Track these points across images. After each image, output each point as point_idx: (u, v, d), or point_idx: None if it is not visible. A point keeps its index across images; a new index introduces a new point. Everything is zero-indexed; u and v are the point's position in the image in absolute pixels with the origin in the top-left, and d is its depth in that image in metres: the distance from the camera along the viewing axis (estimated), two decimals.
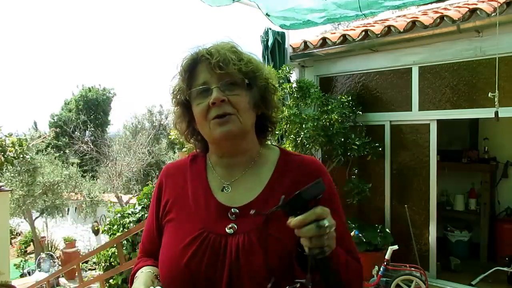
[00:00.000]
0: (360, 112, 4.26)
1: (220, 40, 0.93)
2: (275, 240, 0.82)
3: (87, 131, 14.69)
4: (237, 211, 0.88)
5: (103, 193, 10.99)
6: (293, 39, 4.77)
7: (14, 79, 45.57)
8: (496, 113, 2.76)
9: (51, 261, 9.05)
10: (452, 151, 5.04)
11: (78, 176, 10.72)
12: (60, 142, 15.66)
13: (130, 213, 5.27)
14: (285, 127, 4.09)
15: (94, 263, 8.37)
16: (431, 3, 2.51)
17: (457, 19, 3.48)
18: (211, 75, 0.89)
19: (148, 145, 13.18)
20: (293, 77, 4.70)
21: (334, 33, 4.75)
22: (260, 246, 0.82)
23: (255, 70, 0.91)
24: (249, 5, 2.36)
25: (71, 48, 52.34)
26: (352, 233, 3.79)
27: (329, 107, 4.08)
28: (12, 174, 8.77)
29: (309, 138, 3.98)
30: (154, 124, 16.04)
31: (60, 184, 9.75)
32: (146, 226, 1.04)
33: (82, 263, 8.06)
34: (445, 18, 3.55)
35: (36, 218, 10.10)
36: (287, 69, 4.32)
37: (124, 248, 4.96)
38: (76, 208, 10.91)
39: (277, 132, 3.82)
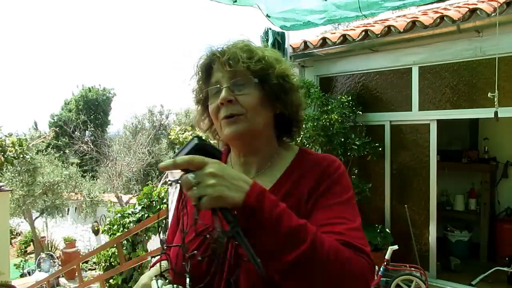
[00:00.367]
0: (360, 112, 4.26)
1: (236, 38, 0.92)
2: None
3: (87, 131, 14.70)
4: None
5: (103, 193, 11.00)
6: (293, 39, 4.77)
7: (14, 79, 45.56)
8: (496, 113, 2.76)
9: (51, 261, 9.06)
10: (452, 151, 5.04)
11: (78, 176, 10.73)
12: (60, 142, 15.67)
13: (130, 213, 5.28)
14: None
15: (94, 263, 8.38)
16: (431, 3, 2.51)
17: (457, 19, 3.48)
18: (222, 75, 0.88)
19: (148, 145, 13.19)
20: None
21: (334, 33, 4.75)
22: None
23: (266, 67, 0.88)
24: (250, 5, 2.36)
25: (71, 48, 52.34)
26: None
27: (329, 107, 4.09)
28: (12, 174, 8.78)
29: (309, 138, 3.98)
30: (154, 124, 16.05)
31: (60, 184, 9.76)
32: (171, 219, 1.07)
33: (82, 263, 8.07)
34: (445, 18, 3.55)
35: (36, 218, 10.11)
36: None
37: (124, 248, 4.97)
38: (76, 208, 10.92)
39: None
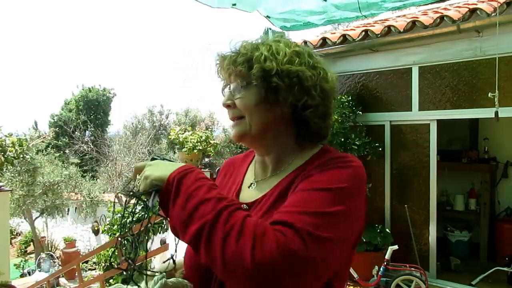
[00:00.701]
0: (360, 112, 4.26)
1: (241, 40, 0.92)
2: None
3: (87, 131, 14.70)
4: (247, 207, 0.89)
5: (103, 193, 10.99)
6: (293, 39, 4.75)
7: (14, 79, 45.57)
8: (496, 113, 2.76)
9: (51, 261, 9.06)
10: (452, 151, 5.04)
11: (78, 176, 10.73)
12: (60, 142, 15.68)
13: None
14: None
15: (94, 263, 8.38)
16: (431, 3, 2.51)
17: (457, 19, 3.48)
18: (226, 78, 0.92)
19: (148, 145, 13.20)
20: None
21: (334, 33, 4.74)
22: None
23: (263, 69, 0.84)
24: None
25: (71, 48, 52.34)
26: None
27: None
28: (12, 174, 8.77)
29: None
30: (154, 124, 16.05)
31: (60, 184, 9.75)
32: None
33: (82, 263, 8.07)
34: (445, 18, 3.55)
35: (36, 218, 10.10)
36: None
37: (124, 248, 4.96)
38: (76, 208, 10.91)
39: None
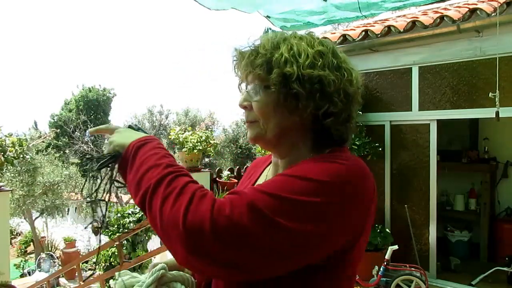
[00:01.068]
0: (360, 112, 4.25)
1: (260, 37, 0.86)
2: None
3: (87, 131, 14.69)
4: None
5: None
6: None
7: (14, 79, 45.59)
8: (497, 113, 2.76)
9: (51, 261, 9.05)
10: (452, 151, 5.04)
11: (78, 176, 10.72)
12: (60, 142, 15.67)
13: (130, 213, 5.28)
14: None
15: (94, 263, 8.37)
16: (431, 3, 2.51)
17: (457, 19, 3.48)
18: (243, 78, 0.87)
19: None
20: None
21: (334, 33, 4.74)
22: None
23: (283, 74, 0.78)
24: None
25: (71, 48, 52.34)
26: None
27: None
28: (12, 174, 8.77)
29: None
30: (154, 124, 16.04)
31: (60, 184, 9.75)
32: None
33: (82, 263, 8.06)
34: (445, 18, 3.55)
35: (36, 218, 10.10)
36: None
37: (124, 248, 4.97)
38: (76, 208, 10.91)
39: None
